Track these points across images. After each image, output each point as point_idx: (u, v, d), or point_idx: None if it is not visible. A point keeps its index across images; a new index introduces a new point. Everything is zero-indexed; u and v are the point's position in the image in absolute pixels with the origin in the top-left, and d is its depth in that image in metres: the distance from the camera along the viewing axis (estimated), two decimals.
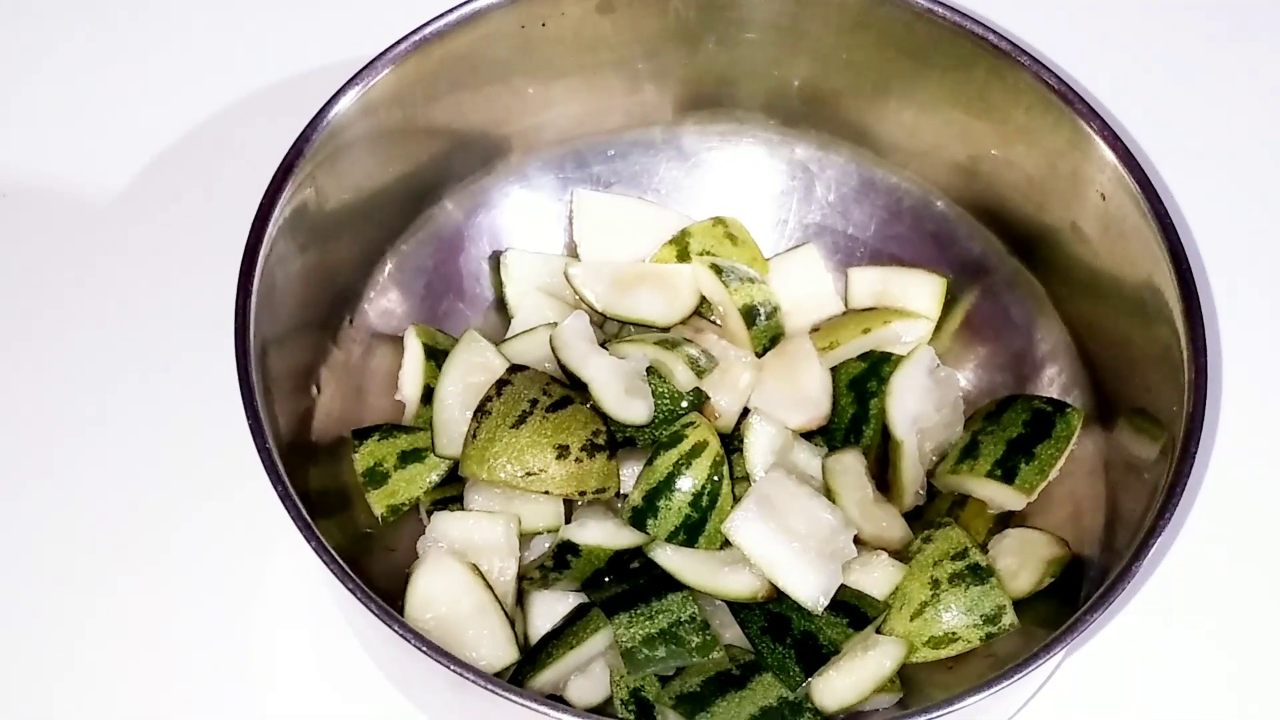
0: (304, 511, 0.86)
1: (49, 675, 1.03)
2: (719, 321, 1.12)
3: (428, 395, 1.08)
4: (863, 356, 1.10)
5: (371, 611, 0.83)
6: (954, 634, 0.98)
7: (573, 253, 1.15)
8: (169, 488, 1.10)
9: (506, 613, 0.98)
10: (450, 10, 1.04)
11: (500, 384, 1.01)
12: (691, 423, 1.01)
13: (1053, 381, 1.11)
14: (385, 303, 1.11)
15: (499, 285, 1.14)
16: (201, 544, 1.08)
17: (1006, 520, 1.07)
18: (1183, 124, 1.27)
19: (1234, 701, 1.05)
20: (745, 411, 1.06)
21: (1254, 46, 1.32)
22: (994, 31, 1.05)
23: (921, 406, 1.07)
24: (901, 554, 1.02)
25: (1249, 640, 1.08)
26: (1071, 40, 1.25)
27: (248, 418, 0.88)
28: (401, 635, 0.83)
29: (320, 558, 0.84)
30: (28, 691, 1.02)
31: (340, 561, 0.85)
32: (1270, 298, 1.20)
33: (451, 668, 0.82)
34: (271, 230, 0.96)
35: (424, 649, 0.82)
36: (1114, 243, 1.04)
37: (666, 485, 0.99)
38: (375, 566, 1.02)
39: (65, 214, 1.20)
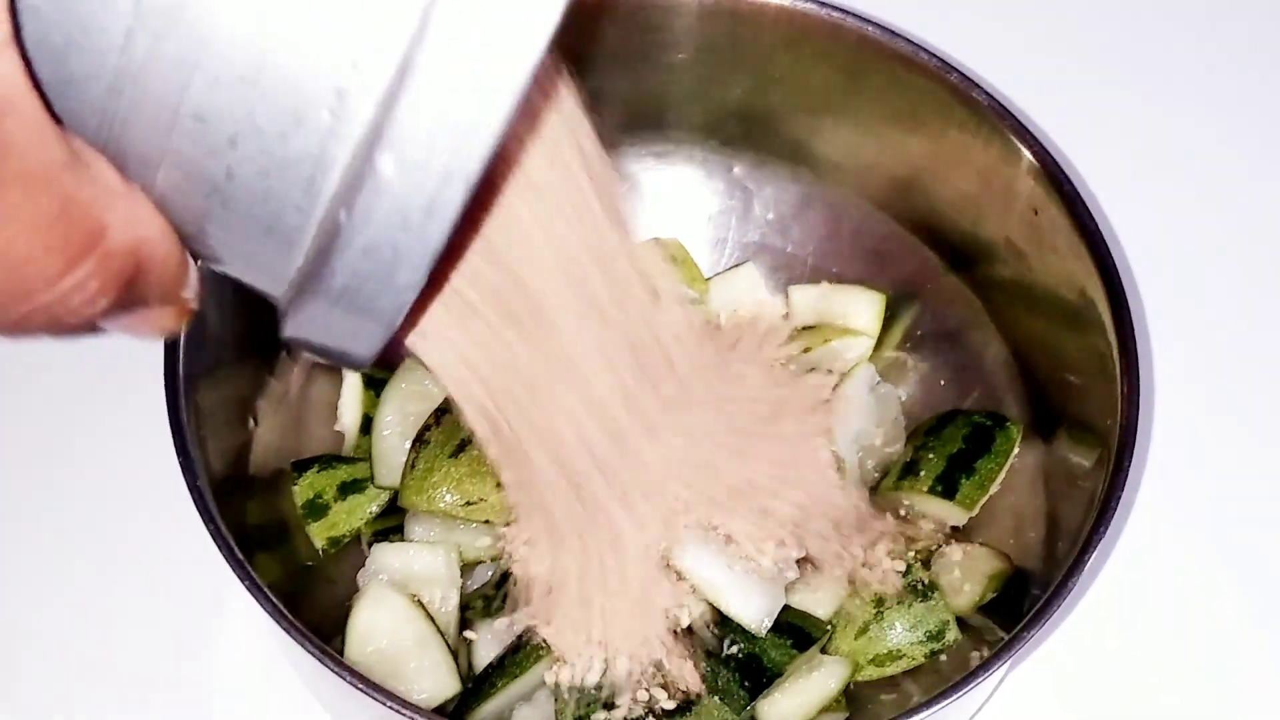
0: (236, 550, 0.85)
1: None
2: None
3: (367, 425, 1.08)
4: None
5: (306, 649, 0.83)
6: (899, 651, 0.99)
7: None
8: (108, 524, 1.09)
9: (450, 644, 0.97)
10: None
11: (439, 413, 1.01)
12: None
13: (992, 395, 1.12)
14: None
15: None
16: (146, 579, 1.07)
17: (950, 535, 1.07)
18: (1112, 138, 1.28)
19: (1174, 706, 1.06)
20: None
21: (1185, 59, 1.33)
22: (924, 50, 1.06)
23: (863, 424, 1.07)
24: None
25: (1187, 647, 1.08)
26: (1002, 57, 1.25)
27: (178, 456, 0.87)
28: (336, 673, 0.82)
29: (253, 596, 0.84)
30: None
31: (273, 599, 0.84)
32: (1201, 308, 1.21)
33: (389, 704, 0.82)
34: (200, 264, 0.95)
35: (360, 686, 0.82)
36: (1046, 257, 1.05)
37: None
38: (318, 600, 1.02)
39: None
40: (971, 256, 1.12)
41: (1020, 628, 0.89)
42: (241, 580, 0.84)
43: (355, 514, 1.04)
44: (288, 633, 0.82)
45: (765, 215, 1.18)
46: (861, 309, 1.14)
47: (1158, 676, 1.07)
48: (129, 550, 1.08)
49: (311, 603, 1.00)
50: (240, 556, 0.85)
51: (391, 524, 1.04)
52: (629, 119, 1.16)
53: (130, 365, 1.11)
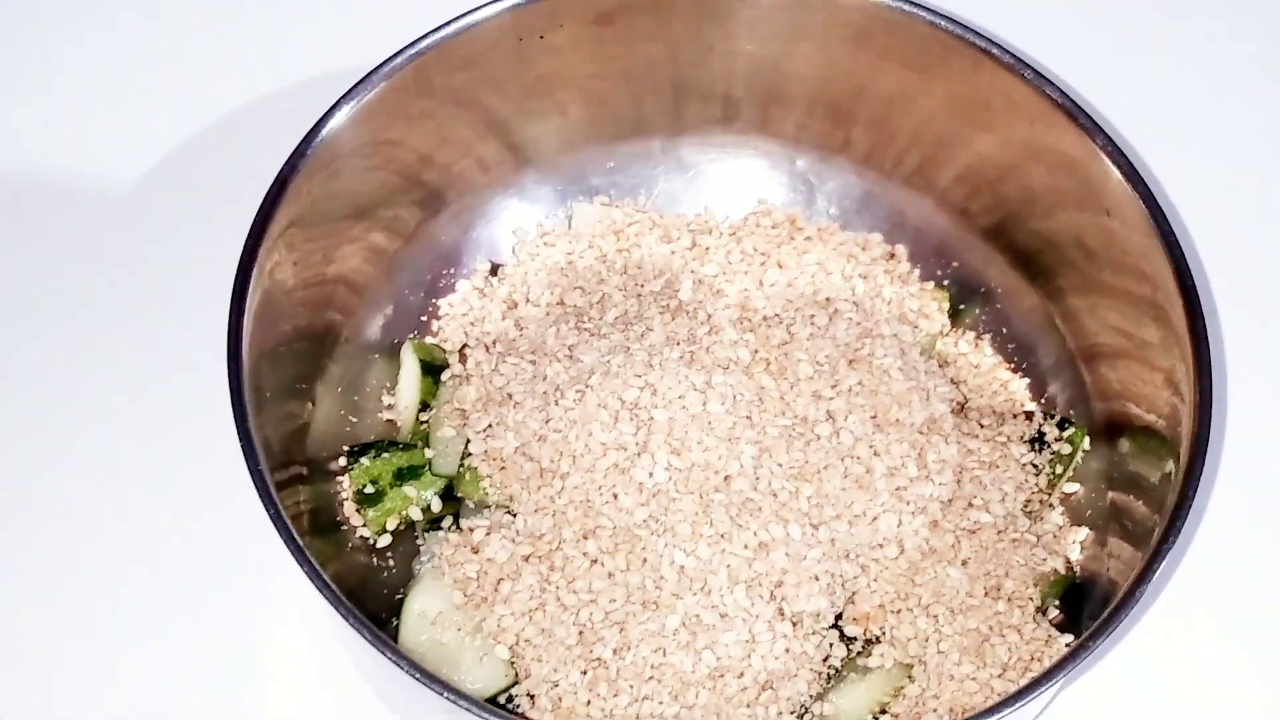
0: (295, 535, 0.85)
1: (46, 690, 1.02)
2: None
3: (424, 411, 1.07)
4: None
5: (363, 636, 0.82)
6: None
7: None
8: (165, 503, 1.08)
9: None
10: (447, 23, 1.03)
11: None
12: None
13: (1057, 398, 1.10)
14: (382, 317, 1.10)
15: None
16: (200, 560, 1.06)
17: None
18: (1189, 139, 1.26)
19: None
20: None
21: (1262, 63, 1.30)
22: (997, 45, 1.04)
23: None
24: None
25: (1258, 664, 1.06)
26: (1076, 54, 1.23)
27: (240, 440, 0.87)
28: (393, 660, 0.82)
29: (312, 582, 0.83)
30: (21, 712, 1.01)
31: (332, 586, 0.84)
32: (1276, 314, 1.19)
33: (443, 693, 0.81)
34: (266, 245, 0.95)
35: (415, 674, 0.81)
36: (1118, 259, 1.03)
37: None
38: (371, 587, 1.01)
39: (61, 224, 1.19)
40: (1038, 255, 1.10)
41: (1087, 635, 0.88)
42: (300, 565, 0.83)
43: (410, 501, 1.03)
44: (345, 619, 0.82)
45: (828, 209, 1.17)
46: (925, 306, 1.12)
47: (1220, 696, 1.04)
48: (180, 533, 1.08)
49: (365, 590, 1.00)
50: (299, 541, 0.84)
51: (448, 511, 1.03)
52: (694, 109, 1.15)
53: (191, 344, 1.10)
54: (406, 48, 1.02)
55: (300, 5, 1.30)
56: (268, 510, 0.84)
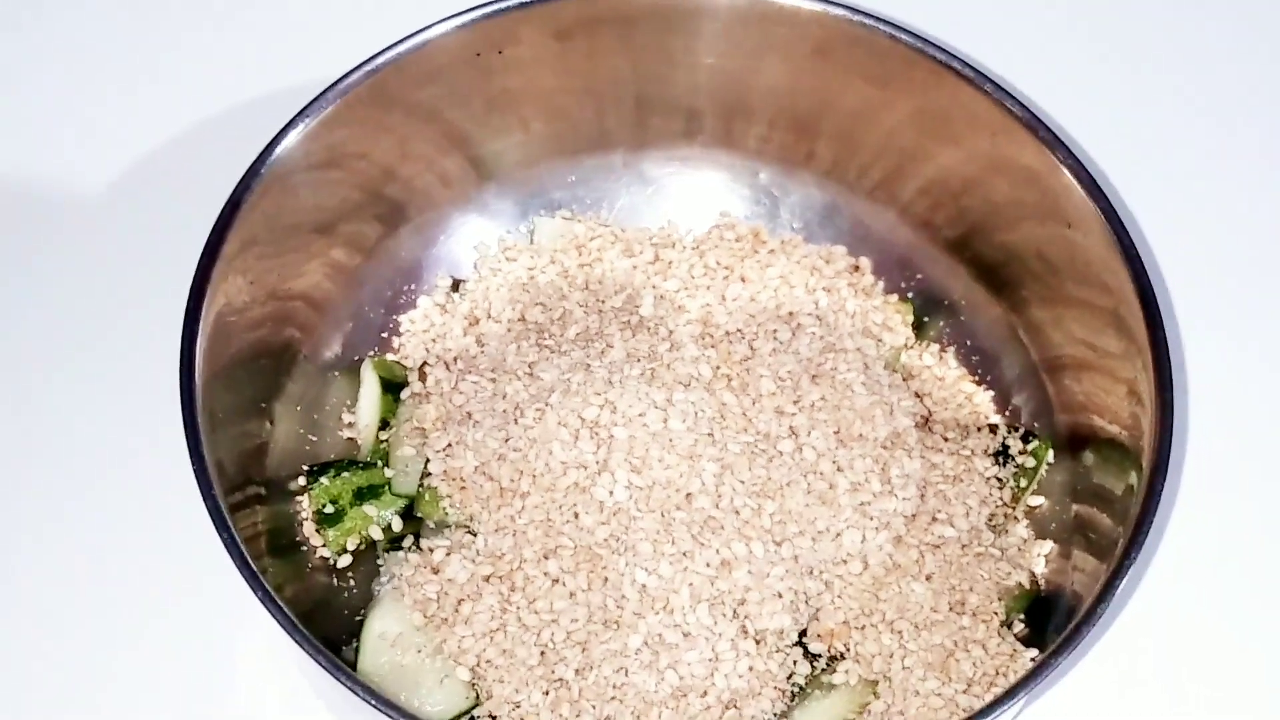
0: (249, 560, 0.84)
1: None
2: None
3: (384, 429, 1.06)
4: None
5: (319, 663, 0.81)
6: None
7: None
8: (121, 522, 1.07)
9: None
10: (403, 39, 1.03)
11: None
12: None
13: (1021, 410, 1.10)
14: (341, 334, 1.09)
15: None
16: (158, 581, 1.05)
17: None
18: (1149, 152, 1.26)
19: None
20: None
21: (1222, 73, 1.30)
22: (958, 58, 1.04)
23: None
24: None
25: (1219, 678, 1.06)
26: (1038, 68, 1.24)
27: (193, 463, 0.86)
28: (348, 686, 0.81)
29: (266, 607, 0.82)
30: None
31: (286, 611, 0.83)
32: (1237, 326, 1.19)
33: (400, 719, 0.80)
34: (219, 268, 0.95)
35: (370, 700, 0.80)
36: (1080, 271, 1.03)
37: None
38: (332, 607, 1.00)
39: (10, 243, 1.18)
40: (1001, 267, 1.10)
41: (1052, 650, 0.88)
42: (254, 591, 0.82)
43: (370, 521, 1.02)
44: (300, 645, 0.81)
45: (791, 222, 1.17)
46: (889, 319, 1.12)
47: (1182, 707, 1.04)
48: (143, 556, 1.06)
49: (325, 611, 0.99)
50: (254, 567, 0.83)
51: (409, 530, 1.03)
52: (656, 124, 1.14)
53: (144, 366, 1.09)
54: (362, 64, 1.02)
55: (262, 20, 1.29)
56: (220, 535, 0.83)
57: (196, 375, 0.90)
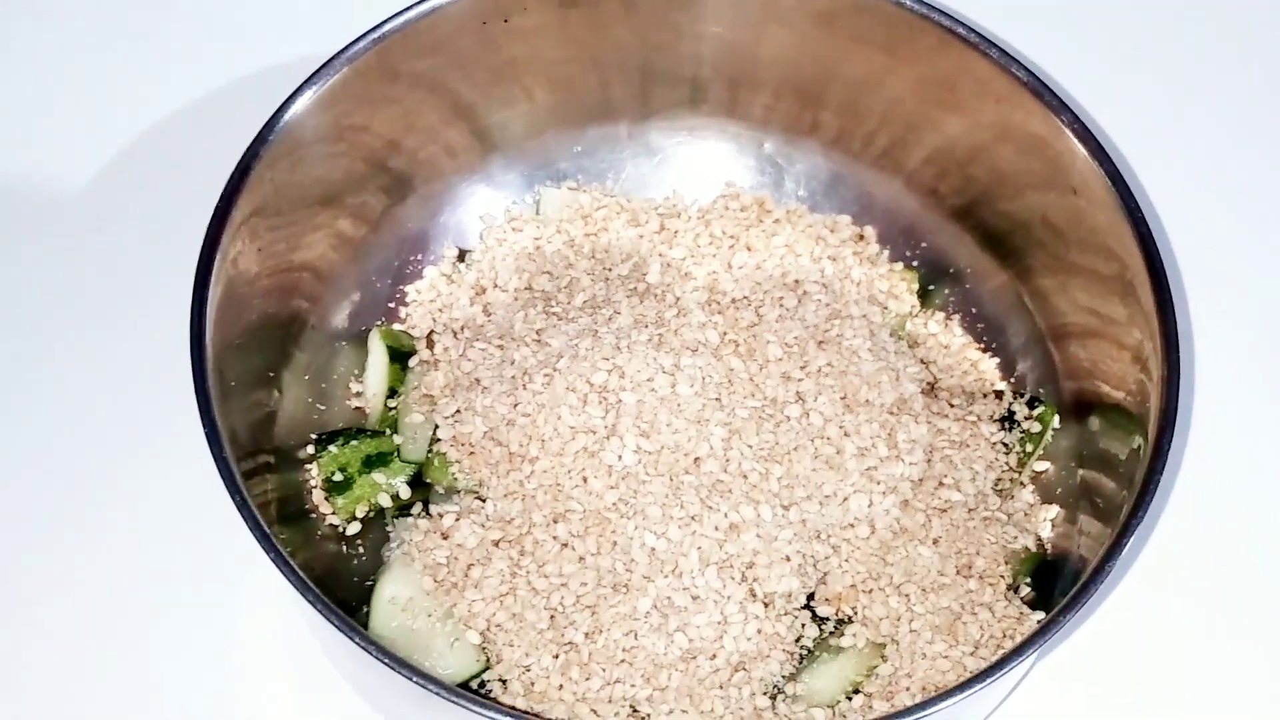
0: (263, 524, 0.84)
1: (11, 685, 1.01)
2: None
3: (392, 398, 1.06)
4: None
5: (332, 623, 0.82)
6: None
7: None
8: (132, 497, 1.08)
9: None
10: (409, 6, 1.03)
11: None
12: None
13: (1026, 376, 1.10)
14: (349, 304, 1.10)
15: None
16: (166, 556, 1.06)
17: None
18: (1155, 116, 1.26)
19: (1210, 700, 1.04)
20: None
21: (1229, 41, 1.31)
22: (962, 24, 1.04)
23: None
24: None
25: (1224, 639, 1.07)
26: (1042, 32, 1.24)
27: (205, 429, 0.87)
28: (363, 647, 0.81)
29: (280, 570, 0.83)
30: None
31: (300, 574, 0.84)
32: (1242, 291, 1.19)
33: (415, 679, 0.81)
34: (228, 234, 0.95)
35: (385, 660, 0.81)
36: (1086, 238, 1.03)
37: None
38: (341, 575, 1.01)
39: (18, 217, 1.18)
40: (1007, 235, 1.10)
41: (1057, 610, 0.88)
42: (267, 553, 0.83)
43: (380, 488, 1.02)
44: (313, 606, 0.82)
45: (797, 191, 1.17)
46: (895, 287, 1.12)
47: (1193, 669, 1.05)
48: (149, 524, 1.07)
49: (335, 577, 1.00)
50: (266, 529, 0.84)
51: (418, 498, 1.03)
52: (661, 93, 1.14)
53: (154, 334, 1.10)
54: (369, 32, 1.02)
55: None
56: (234, 499, 0.84)
57: (207, 343, 0.91)
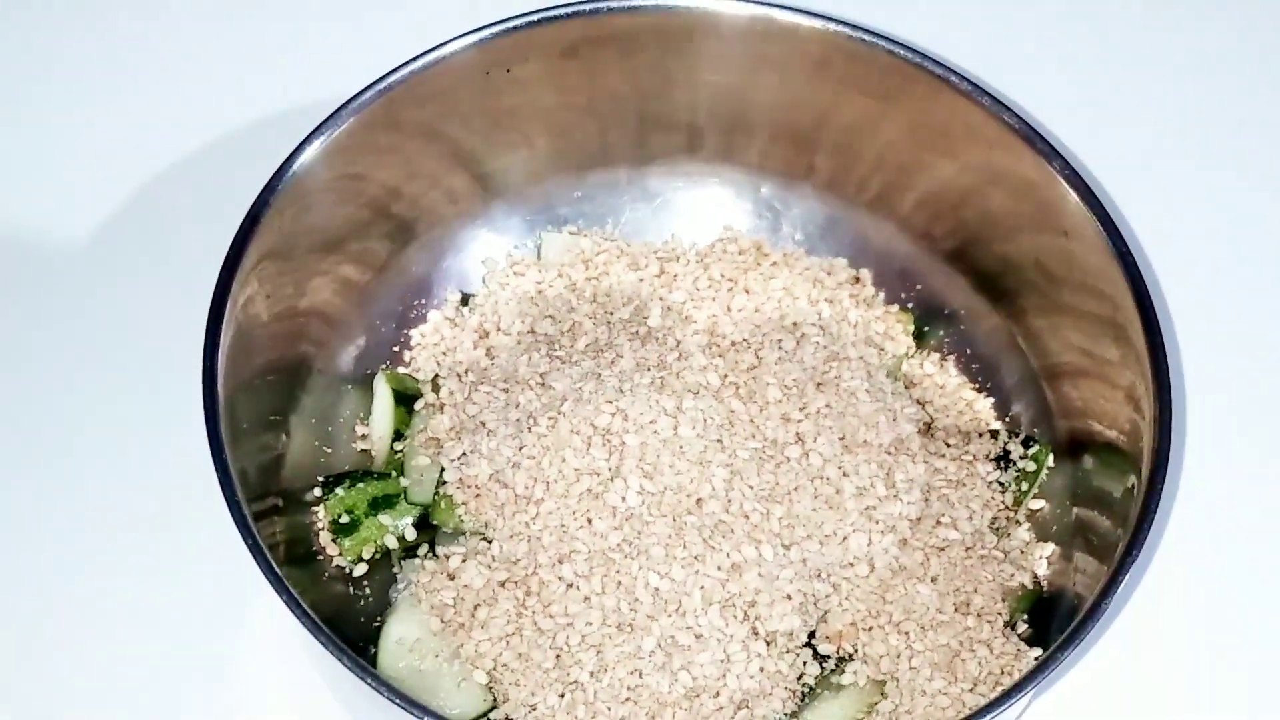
0: (274, 565, 0.85)
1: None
2: None
3: (398, 441, 1.08)
4: None
5: (343, 663, 0.83)
6: None
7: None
8: (139, 542, 1.09)
9: None
10: (415, 57, 1.05)
11: None
12: None
13: (1021, 416, 1.12)
14: (354, 348, 1.11)
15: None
16: (173, 596, 1.07)
17: None
18: (1145, 162, 1.28)
19: None
20: None
21: (1219, 85, 1.33)
22: (955, 72, 1.06)
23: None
24: None
25: (1218, 673, 1.08)
26: (1034, 81, 1.26)
27: (216, 471, 0.88)
28: (374, 687, 0.82)
29: (291, 610, 0.84)
30: None
31: (310, 614, 0.85)
32: (1233, 331, 1.21)
33: (425, 718, 0.82)
34: (240, 278, 0.96)
35: (396, 700, 0.82)
36: (1078, 280, 1.05)
37: None
38: (348, 614, 1.02)
39: (29, 264, 1.19)
40: (1000, 278, 1.12)
41: (1055, 646, 0.89)
42: (279, 594, 0.84)
43: (386, 530, 1.04)
44: (325, 647, 0.83)
45: (793, 235, 1.19)
46: (890, 329, 1.14)
47: (1185, 706, 1.06)
48: (154, 565, 1.08)
49: (342, 618, 1.00)
50: (278, 571, 0.85)
51: (424, 539, 1.04)
52: (659, 140, 1.16)
53: (166, 379, 1.11)
54: (376, 82, 1.04)
55: (255, 44, 1.31)
56: (246, 541, 0.85)
57: (219, 386, 0.92)
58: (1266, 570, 1.12)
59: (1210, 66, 1.34)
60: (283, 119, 1.19)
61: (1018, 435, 1.11)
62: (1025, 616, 1.04)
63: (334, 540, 1.03)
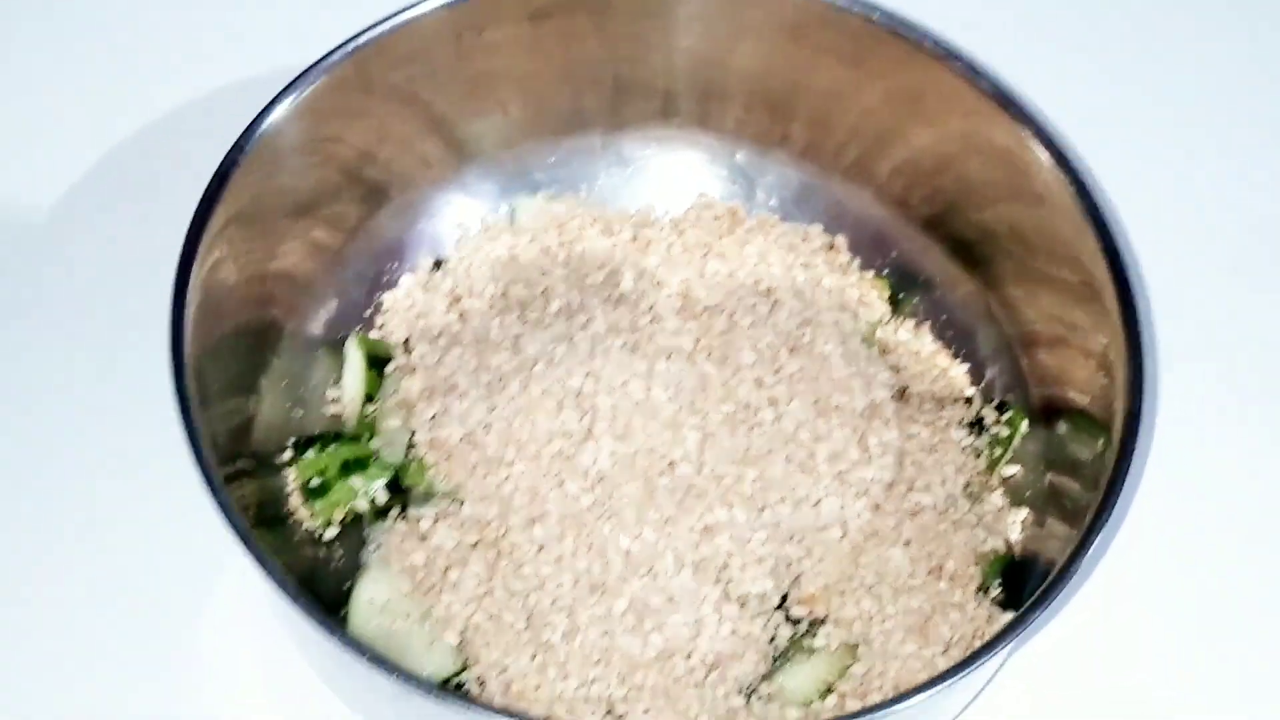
0: (242, 525, 0.85)
1: None
2: None
3: (369, 404, 1.07)
4: None
5: (313, 624, 0.82)
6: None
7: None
8: (106, 505, 1.08)
9: None
10: (385, 19, 1.04)
11: None
12: None
13: (995, 382, 1.12)
14: (325, 312, 1.11)
15: None
16: (141, 562, 1.06)
17: None
18: (1120, 126, 1.28)
19: (1177, 697, 1.06)
20: None
21: (1194, 49, 1.33)
22: (929, 37, 1.06)
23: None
24: None
25: (1190, 634, 1.09)
26: (1008, 44, 1.25)
27: (185, 432, 0.87)
28: (344, 645, 0.82)
29: (260, 570, 0.83)
30: None
31: (281, 575, 0.84)
32: (1206, 294, 1.21)
33: (395, 678, 0.81)
34: (206, 240, 0.95)
35: (366, 660, 0.81)
36: (1052, 247, 1.05)
37: None
38: (319, 577, 1.01)
39: None
40: (975, 244, 1.12)
41: (1026, 608, 0.90)
42: (248, 554, 0.83)
43: (357, 492, 1.03)
44: (294, 606, 0.82)
45: (768, 202, 1.18)
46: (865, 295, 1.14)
47: (1162, 664, 1.07)
48: (121, 528, 1.07)
49: (312, 581, 1.00)
50: (247, 532, 0.84)
51: (395, 503, 1.04)
52: (633, 106, 1.16)
53: (134, 339, 1.10)
54: (347, 42, 1.03)
55: (220, 9, 1.30)
56: (215, 501, 0.84)
57: (186, 347, 0.91)
58: (1237, 533, 1.12)
59: (1187, 31, 1.34)
60: (254, 82, 1.18)
61: (992, 401, 1.11)
62: (998, 581, 1.04)
63: (305, 503, 1.03)
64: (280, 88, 1.01)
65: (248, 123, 1.00)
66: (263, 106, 1.00)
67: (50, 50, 1.27)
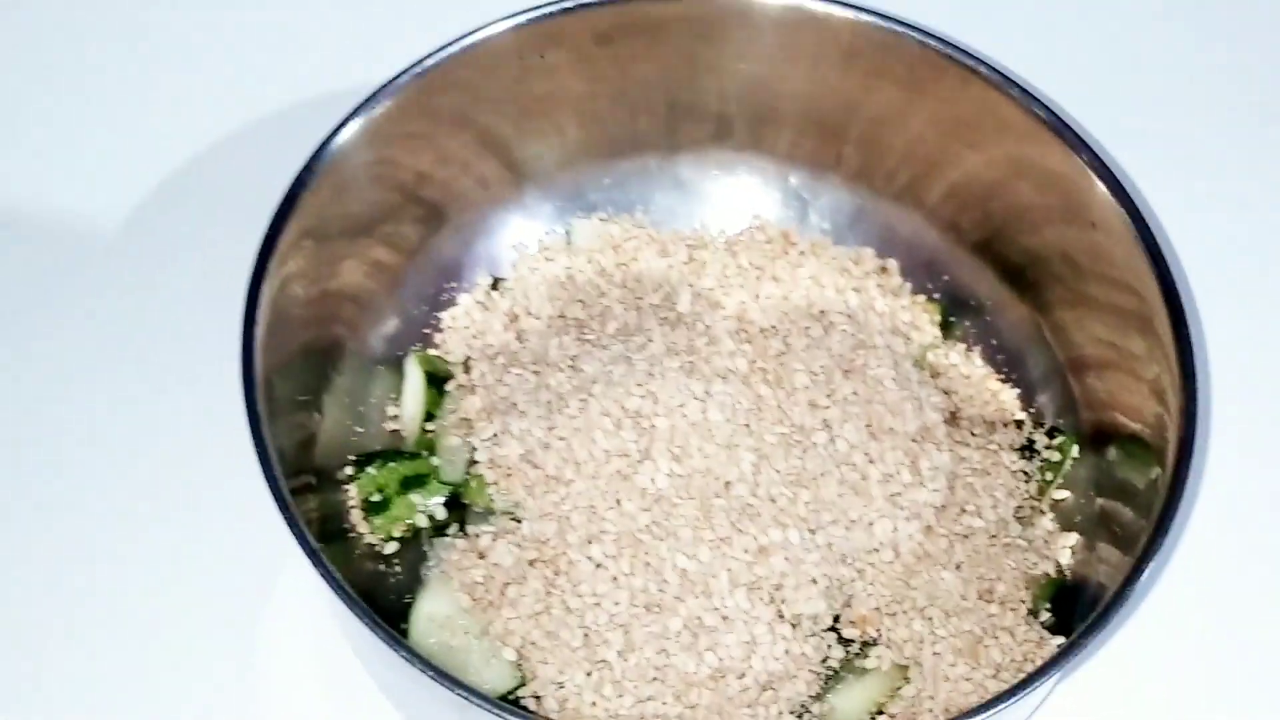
0: (310, 539, 0.86)
1: (45, 692, 1.03)
2: None
3: (428, 422, 1.09)
4: None
5: (377, 636, 0.84)
6: None
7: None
8: (173, 519, 1.10)
9: None
10: (451, 42, 1.06)
11: None
12: None
13: (1046, 407, 1.13)
14: (386, 329, 1.12)
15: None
16: (202, 571, 1.08)
17: None
18: (1173, 154, 1.28)
19: None
20: None
21: (1247, 78, 1.33)
22: (984, 63, 1.07)
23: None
24: None
25: (1239, 665, 1.09)
26: (1063, 71, 1.26)
27: (255, 447, 0.89)
28: (406, 659, 0.83)
29: (327, 583, 0.85)
30: (16, 711, 1.03)
31: (345, 587, 0.86)
32: (1260, 323, 1.22)
33: (457, 691, 0.83)
34: (276, 259, 0.97)
35: (429, 673, 0.83)
36: (1104, 272, 1.06)
37: None
38: (378, 591, 1.03)
39: (65, 247, 1.21)
40: (1027, 269, 1.13)
41: (1079, 634, 0.90)
42: (315, 568, 0.85)
43: (417, 509, 1.05)
44: (361, 619, 0.84)
45: (820, 224, 1.19)
46: (916, 318, 1.15)
47: (1204, 696, 1.07)
48: (183, 538, 1.09)
49: (372, 595, 1.02)
50: (314, 546, 0.86)
51: (454, 519, 1.05)
52: (688, 129, 1.17)
53: (204, 357, 1.12)
54: (412, 66, 1.05)
55: (286, 29, 1.32)
56: (284, 516, 0.86)
57: (256, 363, 0.93)
58: None
59: (1241, 61, 1.34)
60: (321, 102, 1.20)
61: (1042, 426, 1.12)
62: (1048, 605, 1.05)
63: (365, 518, 1.05)
64: (343, 109, 1.03)
65: (314, 143, 1.02)
66: (332, 128, 1.02)
67: (125, 67, 1.30)
